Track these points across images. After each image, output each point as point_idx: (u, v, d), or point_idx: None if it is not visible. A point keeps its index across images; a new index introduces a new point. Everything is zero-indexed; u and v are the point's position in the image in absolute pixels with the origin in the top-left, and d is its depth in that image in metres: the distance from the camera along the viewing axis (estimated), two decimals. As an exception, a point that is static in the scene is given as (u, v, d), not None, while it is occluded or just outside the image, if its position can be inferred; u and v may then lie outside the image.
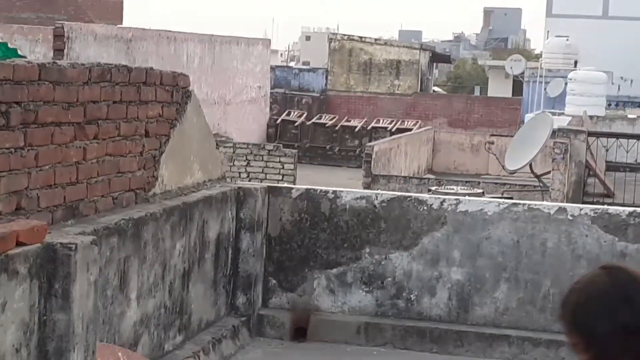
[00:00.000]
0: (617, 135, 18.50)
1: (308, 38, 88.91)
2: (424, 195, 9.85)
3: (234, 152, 23.73)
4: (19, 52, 15.41)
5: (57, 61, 7.19)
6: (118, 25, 32.70)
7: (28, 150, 6.22)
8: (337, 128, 37.27)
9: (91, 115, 6.90)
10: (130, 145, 7.48)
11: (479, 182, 22.84)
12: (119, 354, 6.70)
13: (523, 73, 46.45)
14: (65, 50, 20.67)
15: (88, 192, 6.94)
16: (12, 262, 5.52)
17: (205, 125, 9.13)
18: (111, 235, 6.74)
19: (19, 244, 5.59)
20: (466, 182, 22.62)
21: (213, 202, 8.45)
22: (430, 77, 55.82)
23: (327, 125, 37.52)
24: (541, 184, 18.92)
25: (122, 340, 6.97)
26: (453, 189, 18.75)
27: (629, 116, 26.28)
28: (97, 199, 7.07)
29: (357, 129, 36.87)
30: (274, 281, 9.11)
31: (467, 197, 10.22)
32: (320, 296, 9.04)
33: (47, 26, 23.19)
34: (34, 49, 21.56)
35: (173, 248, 7.72)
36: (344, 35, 53.07)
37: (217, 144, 10.61)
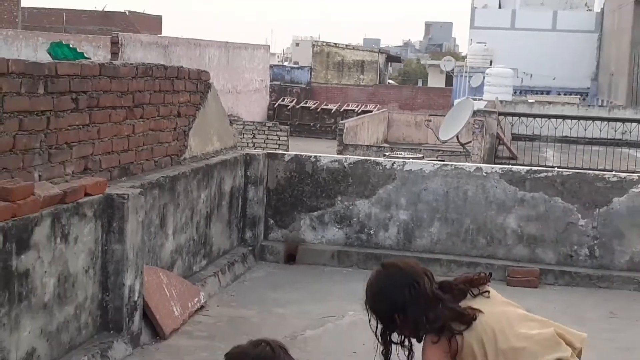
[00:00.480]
0: (520, 115, 18.58)
1: (297, 44, 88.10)
2: (380, 159, 9.87)
3: (243, 128, 23.72)
4: (85, 55, 15.31)
5: (113, 61, 7.19)
6: (158, 35, 32.53)
7: (92, 126, 6.25)
8: (318, 110, 37.16)
9: (138, 101, 6.93)
10: (167, 123, 7.51)
11: (420, 149, 22.91)
12: (160, 273, 6.76)
13: (453, 70, 46.47)
14: (119, 54, 20.54)
15: (136, 157, 6.98)
16: (82, 208, 5.57)
17: (222, 108, 9.14)
18: (153, 188, 6.78)
19: (86, 194, 5.65)
20: (411, 149, 22.68)
21: (227, 164, 8.47)
22: (386, 73, 55.69)
23: (311, 108, 37.41)
24: (465, 150, 18.98)
25: (162, 264, 7.03)
26: (401, 154, 18.82)
27: (529, 101, 26.32)
28: (143, 162, 7.11)
29: (332, 111, 36.77)
30: (272, 221, 9.13)
31: (410, 160, 10.28)
32: (305, 232, 9.07)
33: (106, 35, 23.05)
34: (97, 52, 21.43)
35: (199, 197, 7.75)
36: (324, 42, 52.92)
37: (230, 122, 10.63)
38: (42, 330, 5.18)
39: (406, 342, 3.38)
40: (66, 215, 5.34)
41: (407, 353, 3.37)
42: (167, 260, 7.13)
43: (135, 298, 6.08)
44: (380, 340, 3.38)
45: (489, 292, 3.39)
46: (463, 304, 3.31)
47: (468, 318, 3.24)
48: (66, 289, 5.42)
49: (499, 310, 3.35)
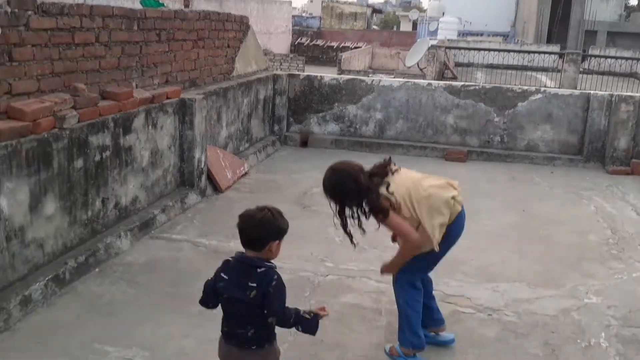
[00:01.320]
0: (460, 48, 18.21)
1: (312, 1, 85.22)
2: (364, 78, 9.76)
3: (273, 58, 23.28)
4: (165, 5, 14.94)
5: (184, 9, 7.07)
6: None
7: (170, 53, 6.22)
8: (325, 46, 36.23)
9: (200, 36, 6.85)
10: (220, 52, 7.44)
11: (393, 73, 22.53)
12: (218, 150, 6.85)
13: (417, 19, 45.10)
14: (189, 6, 20.02)
15: (200, 74, 6.96)
16: (165, 107, 5.62)
17: (258, 43, 9.01)
18: (212, 95, 6.79)
19: (168, 98, 5.69)
20: (386, 73, 22.31)
21: (262, 80, 8.42)
22: (372, 21, 54.18)
23: (320, 45, 36.58)
24: (422, 73, 18.71)
25: (219, 144, 7.09)
26: (379, 76, 18.58)
27: (467, 39, 25.71)
28: (205, 78, 7.09)
29: (335, 47, 35.88)
30: (291, 119, 9.12)
31: (385, 78, 10.18)
32: (314, 126, 9.06)
33: (179, -5, 22.37)
34: (174, 5, 20.83)
35: (242, 102, 7.75)
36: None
37: (264, 53, 10.49)
38: (141, 184, 5.33)
39: (355, 215, 3.36)
40: (155, 111, 5.41)
41: (357, 222, 3.37)
42: (222, 143, 7.21)
43: (202, 166, 6.21)
44: (338, 216, 3.37)
45: (398, 169, 3.46)
46: (388, 178, 3.36)
47: (389, 203, 3.27)
48: (156, 159, 5.54)
49: (406, 177, 3.42)
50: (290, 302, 4.06)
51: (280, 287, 2.54)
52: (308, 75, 9.17)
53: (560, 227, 5.86)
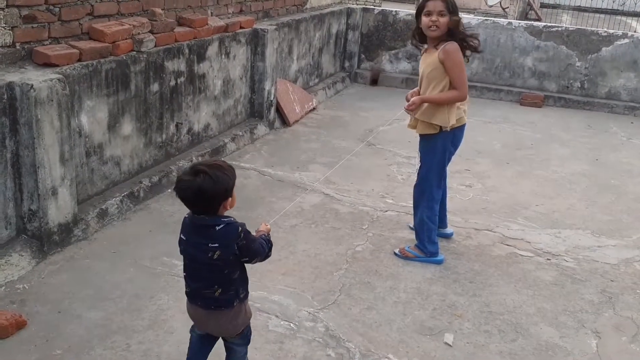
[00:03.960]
0: (547, -11, 17.34)
1: None
2: (441, 15, 9.47)
3: (349, -6, 22.87)
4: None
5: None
6: None
7: (245, -17, 6.26)
8: (403, -17, 35.18)
9: (276, -33, 6.81)
10: (295, -17, 7.41)
11: (474, 11, 21.65)
12: (287, 84, 6.93)
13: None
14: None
15: (274, 5, 6.97)
16: (238, 36, 5.71)
17: (333, -25, 8.90)
18: (284, 27, 6.80)
19: (241, 27, 5.76)
20: (467, 11, 21.45)
21: (335, 14, 8.34)
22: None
23: (398, -19, 35.42)
24: (505, 13, 17.94)
25: (289, 78, 7.17)
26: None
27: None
28: (278, 9, 7.10)
29: (413, -16, 34.73)
30: (363, 56, 9.07)
31: (463, 16, 9.85)
32: (385, 64, 9.00)
33: None
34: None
35: (314, 36, 7.74)
36: None
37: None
38: (213, 112, 5.52)
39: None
40: (228, 40, 5.52)
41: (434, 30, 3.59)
42: (292, 76, 7.28)
43: (272, 98, 6.33)
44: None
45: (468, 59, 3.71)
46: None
47: (475, 48, 3.62)
48: (228, 88, 5.70)
49: None
50: (348, 234, 4.23)
51: (247, 233, 2.27)
52: (382, 10, 9.01)
53: (634, 178, 5.69)
